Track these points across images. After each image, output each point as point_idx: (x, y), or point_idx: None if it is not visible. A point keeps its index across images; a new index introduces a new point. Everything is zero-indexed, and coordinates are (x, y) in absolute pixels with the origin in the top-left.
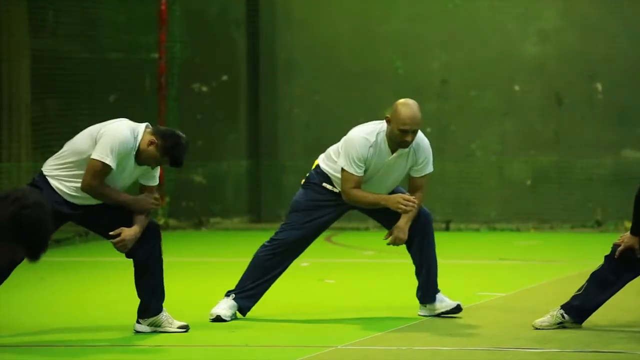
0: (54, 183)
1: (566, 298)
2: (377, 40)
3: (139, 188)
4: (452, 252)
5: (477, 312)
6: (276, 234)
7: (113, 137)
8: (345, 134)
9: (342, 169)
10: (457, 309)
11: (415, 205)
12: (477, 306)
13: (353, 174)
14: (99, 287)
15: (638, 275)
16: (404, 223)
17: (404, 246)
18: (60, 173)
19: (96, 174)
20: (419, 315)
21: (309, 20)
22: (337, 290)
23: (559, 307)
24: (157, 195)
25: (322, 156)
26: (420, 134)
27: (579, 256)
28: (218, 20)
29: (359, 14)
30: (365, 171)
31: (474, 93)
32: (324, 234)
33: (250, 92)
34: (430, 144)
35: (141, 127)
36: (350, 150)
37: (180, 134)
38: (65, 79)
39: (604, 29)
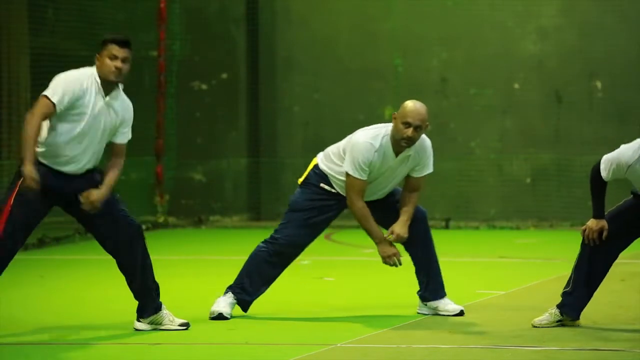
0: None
1: None
2: (377, 38)
3: (111, 148)
4: (451, 250)
5: (476, 310)
6: (275, 232)
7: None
8: (345, 132)
9: (347, 174)
10: (460, 314)
11: (399, 261)
12: (476, 304)
13: (358, 179)
14: (98, 285)
15: (616, 257)
16: (403, 221)
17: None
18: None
19: (41, 109)
20: (418, 313)
21: (309, 18)
22: (336, 288)
23: (556, 307)
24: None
25: (320, 155)
26: (423, 136)
27: None
28: (217, 18)
29: (359, 11)
30: (368, 175)
31: (474, 91)
32: (324, 232)
33: (250, 90)
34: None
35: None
36: (356, 155)
37: None
38: None
39: (603, 27)
